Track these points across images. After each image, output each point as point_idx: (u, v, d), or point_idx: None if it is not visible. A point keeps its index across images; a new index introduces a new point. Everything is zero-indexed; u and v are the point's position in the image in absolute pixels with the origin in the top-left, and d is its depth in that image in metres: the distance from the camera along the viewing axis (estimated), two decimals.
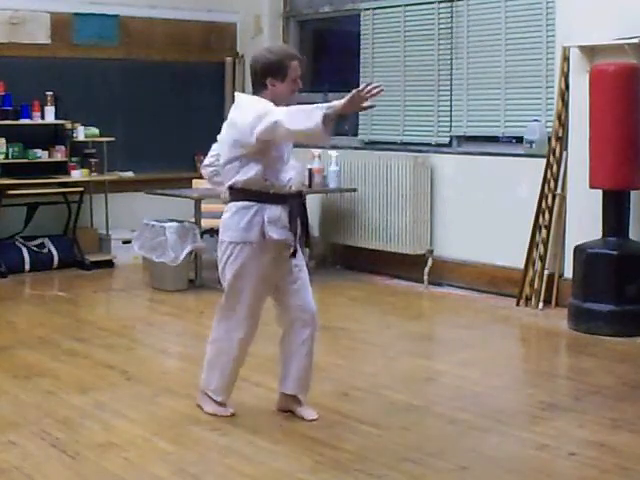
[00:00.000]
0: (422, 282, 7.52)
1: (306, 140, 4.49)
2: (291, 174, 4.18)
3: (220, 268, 4.23)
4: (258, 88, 4.14)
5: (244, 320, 4.22)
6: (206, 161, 4.45)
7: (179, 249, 7.17)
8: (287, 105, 4.03)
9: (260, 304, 4.25)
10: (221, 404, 4.34)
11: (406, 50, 7.94)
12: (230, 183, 4.16)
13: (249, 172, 4.08)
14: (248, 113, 4.03)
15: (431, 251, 7.58)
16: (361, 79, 8.28)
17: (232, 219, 4.15)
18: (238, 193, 4.14)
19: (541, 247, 6.68)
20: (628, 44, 6.04)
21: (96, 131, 8.30)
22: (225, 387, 4.34)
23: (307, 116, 3.86)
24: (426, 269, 7.53)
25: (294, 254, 4.18)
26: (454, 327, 6.36)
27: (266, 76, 4.08)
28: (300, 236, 4.22)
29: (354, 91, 3.83)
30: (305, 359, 4.30)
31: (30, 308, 6.85)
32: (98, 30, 8.56)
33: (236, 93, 4.43)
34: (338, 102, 3.87)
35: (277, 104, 4.02)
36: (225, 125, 4.22)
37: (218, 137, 4.30)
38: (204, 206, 7.47)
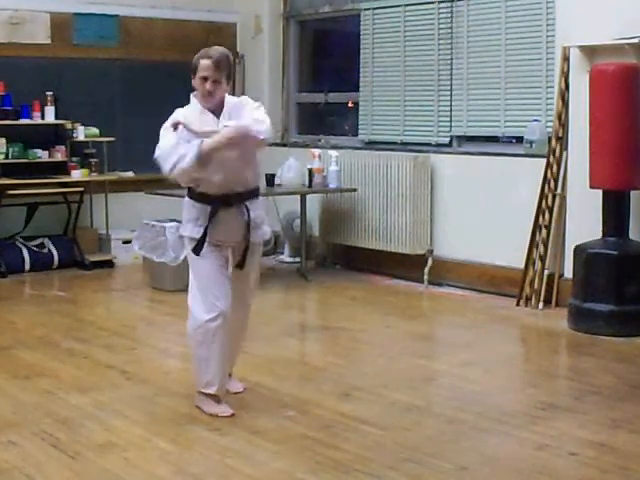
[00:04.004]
0: (422, 282, 7.51)
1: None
2: (219, 176, 4.18)
3: None
4: None
5: (204, 312, 4.22)
6: None
7: (179, 249, 7.16)
8: (210, 105, 4.17)
9: (215, 293, 4.22)
10: (217, 398, 4.31)
11: (406, 50, 7.94)
12: None
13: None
14: None
15: (431, 251, 7.58)
16: (361, 79, 8.30)
17: (183, 212, 4.39)
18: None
19: (541, 247, 6.68)
20: (628, 44, 6.04)
21: (96, 131, 8.31)
22: (215, 378, 4.27)
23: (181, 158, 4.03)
24: (426, 269, 7.52)
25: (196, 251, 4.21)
26: (454, 327, 6.36)
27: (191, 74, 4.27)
28: (239, 239, 4.28)
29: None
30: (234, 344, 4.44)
31: (30, 308, 6.84)
32: (98, 30, 8.56)
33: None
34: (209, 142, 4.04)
35: (204, 103, 4.19)
36: None
37: None
38: None
